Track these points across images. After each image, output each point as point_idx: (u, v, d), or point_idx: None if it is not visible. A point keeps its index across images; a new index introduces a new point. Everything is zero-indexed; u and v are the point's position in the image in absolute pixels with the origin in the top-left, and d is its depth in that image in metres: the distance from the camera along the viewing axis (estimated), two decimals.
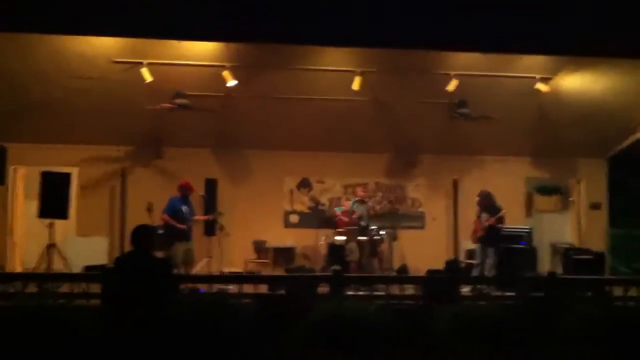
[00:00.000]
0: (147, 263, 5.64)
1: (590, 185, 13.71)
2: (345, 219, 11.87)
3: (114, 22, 8.73)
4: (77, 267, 10.11)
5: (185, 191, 10.47)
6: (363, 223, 11.81)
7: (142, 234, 5.77)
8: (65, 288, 8.17)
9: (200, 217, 11.06)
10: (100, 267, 9.38)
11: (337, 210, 12.28)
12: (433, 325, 5.95)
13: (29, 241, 11.96)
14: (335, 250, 11.69)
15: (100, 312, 6.29)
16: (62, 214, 10.69)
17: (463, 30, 9.07)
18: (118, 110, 11.30)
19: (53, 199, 10.49)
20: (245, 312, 5.65)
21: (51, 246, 10.31)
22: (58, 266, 10.31)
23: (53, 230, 10.48)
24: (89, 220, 12.29)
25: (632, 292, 8.48)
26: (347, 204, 12.32)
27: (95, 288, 8.02)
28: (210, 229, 11.80)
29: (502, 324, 5.75)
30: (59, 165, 11.43)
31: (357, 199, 12.26)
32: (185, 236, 10.23)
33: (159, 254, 9.99)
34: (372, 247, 11.73)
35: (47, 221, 10.41)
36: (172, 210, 10.23)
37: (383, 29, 8.93)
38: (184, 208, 10.36)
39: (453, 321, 5.82)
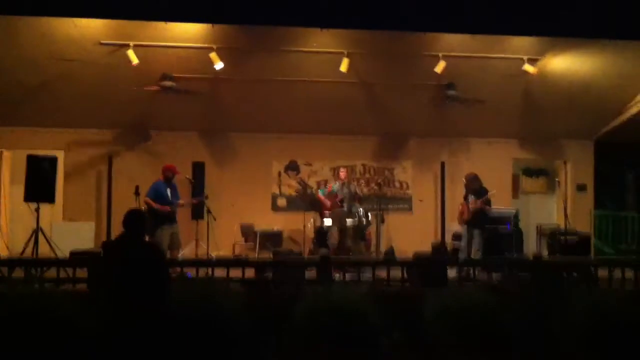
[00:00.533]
0: (138, 248, 5.62)
1: (576, 167, 13.77)
2: (328, 202, 11.84)
3: (100, 3, 8.64)
4: (63, 252, 10.06)
5: (168, 174, 10.39)
6: (346, 205, 11.74)
7: (135, 218, 5.74)
8: (51, 273, 8.17)
9: (186, 200, 10.97)
10: (87, 253, 9.35)
11: (320, 193, 12.21)
12: (421, 309, 5.97)
13: (15, 226, 11.90)
14: (323, 234, 11.71)
15: (88, 297, 6.28)
16: (49, 198, 10.62)
17: (451, 12, 9.04)
18: (105, 93, 11.23)
19: (39, 182, 10.41)
20: (234, 298, 5.64)
21: (37, 231, 10.24)
22: (44, 251, 10.25)
23: (38, 215, 10.41)
24: (75, 205, 12.25)
25: (617, 273, 8.59)
26: (330, 187, 12.28)
27: (82, 273, 8.02)
28: (198, 212, 11.78)
29: (489, 309, 5.77)
30: (44, 149, 11.35)
31: (338, 180, 12.17)
32: (169, 219, 10.16)
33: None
34: (359, 230, 11.73)
35: (33, 205, 10.34)
36: (155, 194, 10.15)
37: (371, 10, 8.89)
38: (168, 191, 10.30)
39: (441, 306, 5.84)
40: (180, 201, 10.56)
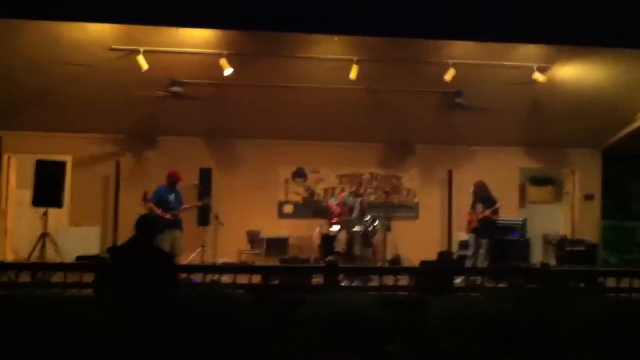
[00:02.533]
0: (149, 253, 5.62)
1: (583, 176, 13.74)
2: (338, 209, 11.82)
3: (110, 8, 8.64)
4: (69, 257, 10.08)
5: (173, 180, 10.38)
6: (354, 215, 11.72)
7: (148, 223, 5.75)
8: (57, 277, 8.16)
9: (188, 205, 10.77)
10: (93, 258, 9.36)
11: (332, 201, 12.24)
12: (428, 317, 5.95)
13: (22, 230, 11.91)
14: (329, 241, 11.68)
15: (94, 301, 6.27)
16: (57, 202, 10.65)
17: (460, 19, 9.02)
18: (113, 98, 11.24)
19: (47, 187, 10.44)
20: (241, 303, 5.64)
21: (44, 235, 10.26)
22: (50, 255, 10.27)
23: (46, 220, 10.42)
24: (82, 210, 12.23)
25: (624, 283, 8.53)
26: (342, 196, 12.27)
27: (88, 278, 8.01)
28: (204, 218, 11.77)
29: (496, 317, 5.75)
30: (52, 154, 11.34)
31: (352, 190, 12.16)
32: (171, 225, 10.09)
33: None
34: (366, 238, 11.70)
35: (41, 210, 10.36)
36: (159, 199, 10.14)
37: (380, 17, 8.88)
38: (172, 197, 10.28)
39: (448, 313, 5.82)
40: (185, 205, 10.53)
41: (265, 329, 5.45)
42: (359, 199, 11.80)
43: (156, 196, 10.16)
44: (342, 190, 12.80)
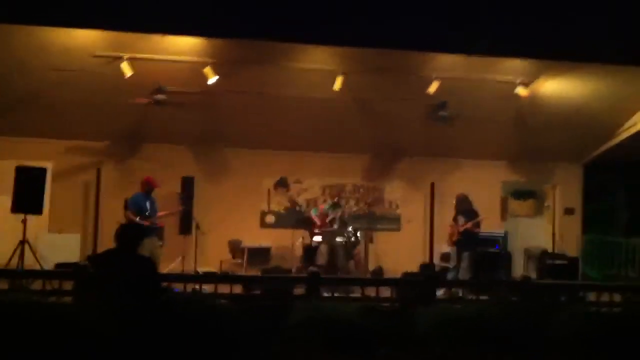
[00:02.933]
0: (132, 262, 5.56)
1: (565, 190, 13.84)
2: (319, 222, 11.81)
3: (95, 14, 8.58)
4: (48, 264, 9.95)
5: (148, 187, 10.25)
6: (335, 226, 11.71)
7: (132, 233, 5.70)
8: (37, 285, 8.06)
9: (163, 212, 10.51)
10: (72, 265, 9.25)
11: (313, 213, 12.19)
12: (412, 325, 5.94)
13: (1, 237, 11.74)
14: (311, 252, 11.66)
15: (74, 309, 6.18)
16: (37, 210, 10.49)
17: (445, 32, 9.07)
18: (96, 104, 11.13)
19: (27, 193, 10.29)
20: (224, 313, 5.58)
21: (23, 242, 10.12)
22: (29, 263, 10.13)
23: (25, 226, 10.28)
24: (62, 217, 12.10)
25: (604, 297, 8.57)
26: (322, 207, 12.26)
27: (68, 285, 7.91)
28: (185, 227, 11.69)
29: (481, 325, 5.75)
30: (32, 160, 11.20)
31: (333, 201, 12.15)
32: (150, 233, 9.98)
33: None
34: (348, 250, 11.70)
35: (20, 217, 10.23)
36: (135, 207, 10.00)
37: (367, 28, 8.91)
38: (147, 204, 10.17)
39: (435, 319, 5.81)
40: (160, 213, 10.42)
41: (254, 332, 5.40)
42: (339, 210, 11.79)
43: (133, 204, 10.03)
44: (324, 201, 12.79)
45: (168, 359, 4.83)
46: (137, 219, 9.78)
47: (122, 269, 5.47)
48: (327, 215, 11.78)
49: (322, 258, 11.32)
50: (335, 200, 12.07)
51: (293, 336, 5.08)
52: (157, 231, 10.18)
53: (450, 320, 5.68)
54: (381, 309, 7.31)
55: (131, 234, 5.66)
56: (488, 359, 5.40)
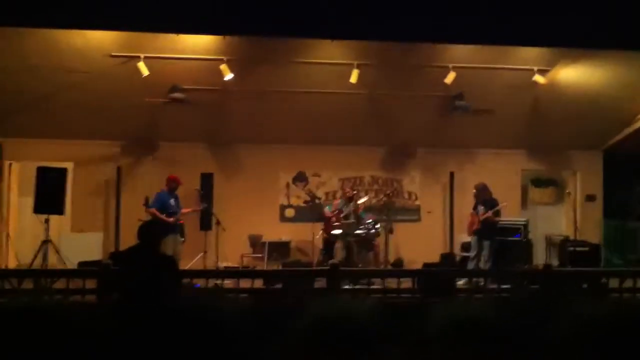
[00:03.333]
0: (154, 259, 5.63)
1: (585, 177, 13.74)
2: (334, 218, 11.75)
3: (110, 15, 8.64)
4: (71, 263, 10.07)
5: (172, 185, 10.47)
6: (350, 221, 11.64)
7: (152, 230, 5.77)
8: (60, 284, 8.17)
9: (187, 209, 10.87)
10: (95, 263, 9.36)
11: (327, 209, 12.09)
12: (430, 321, 5.95)
13: (24, 237, 11.91)
14: (331, 244, 11.65)
15: (98, 307, 6.28)
16: (58, 210, 10.63)
17: (460, 22, 9.02)
18: (114, 104, 11.24)
19: (49, 194, 10.42)
20: (243, 308, 5.64)
21: (46, 242, 10.25)
22: (52, 262, 10.26)
23: (47, 226, 10.41)
24: (83, 216, 12.24)
25: (628, 283, 8.53)
26: (337, 203, 12.17)
27: (91, 284, 8.02)
28: (206, 223, 11.77)
29: (498, 320, 5.74)
30: (53, 161, 11.34)
31: (347, 197, 12.06)
32: (174, 230, 10.17)
33: None
34: (367, 242, 11.67)
35: (43, 217, 10.36)
36: (160, 204, 10.23)
37: (380, 21, 8.88)
38: (172, 202, 10.35)
39: (450, 317, 5.81)
40: (184, 209, 10.60)
41: (265, 331, 5.43)
42: (353, 206, 11.70)
43: (157, 201, 10.26)
44: (344, 194, 12.70)
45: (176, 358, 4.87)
46: (163, 216, 9.96)
47: (144, 266, 5.53)
48: (341, 211, 11.71)
49: (338, 255, 11.24)
50: (349, 195, 11.96)
51: (302, 336, 5.09)
52: (179, 228, 10.34)
53: (466, 318, 5.68)
54: (399, 304, 7.35)
55: (153, 231, 5.73)
56: (503, 358, 5.40)
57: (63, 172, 10.83)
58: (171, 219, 10.13)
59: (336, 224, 11.62)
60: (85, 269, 9.12)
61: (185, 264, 10.57)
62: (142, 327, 4.63)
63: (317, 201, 12.86)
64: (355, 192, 12.17)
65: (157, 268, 5.56)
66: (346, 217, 11.60)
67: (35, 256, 10.15)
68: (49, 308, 4.52)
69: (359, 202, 11.89)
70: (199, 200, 11.54)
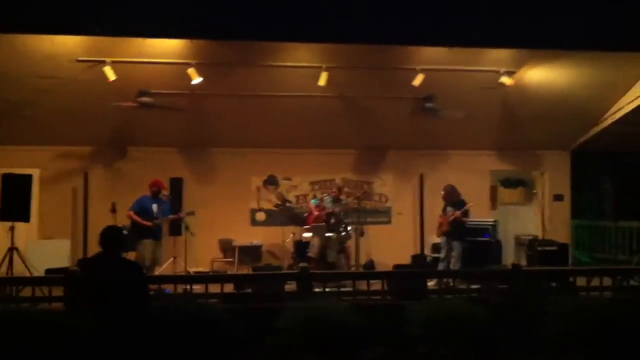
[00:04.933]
0: (117, 265, 5.55)
1: (553, 177, 13.90)
2: (317, 212, 11.75)
3: (77, 20, 8.55)
4: (38, 271, 9.92)
5: (154, 189, 10.41)
6: (332, 220, 11.65)
7: (112, 235, 5.68)
8: (27, 292, 8.03)
9: (172, 216, 10.77)
10: (62, 270, 9.21)
11: (313, 202, 12.11)
12: (404, 322, 5.95)
13: None
14: (302, 247, 11.65)
15: (65, 315, 6.17)
16: (24, 217, 10.45)
17: (428, 25, 9.08)
18: (82, 110, 11.11)
19: (14, 201, 10.25)
20: (215, 313, 5.59)
21: (11, 249, 10.09)
22: (19, 270, 10.09)
23: (13, 234, 10.25)
24: (51, 223, 12.06)
25: (595, 281, 8.62)
26: (325, 198, 12.14)
27: (58, 291, 7.88)
28: (176, 228, 11.67)
29: (472, 320, 5.77)
30: (19, 167, 11.15)
31: (334, 196, 12.05)
32: (152, 234, 10.12)
33: (131, 255, 9.91)
34: (340, 244, 11.68)
35: (8, 224, 10.19)
36: (139, 208, 10.19)
37: (349, 24, 8.91)
38: (154, 206, 10.29)
39: (424, 318, 5.83)
40: (171, 217, 10.58)
41: (242, 337, 5.40)
42: (339, 206, 11.72)
43: (137, 205, 10.26)
44: (314, 197, 12.72)
45: None
46: (137, 218, 9.99)
47: (108, 272, 5.45)
48: (326, 208, 11.69)
49: (313, 250, 11.30)
50: (336, 195, 11.95)
51: (282, 339, 5.09)
52: (160, 232, 10.33)
53: (438, 318, 5.70)
54: (373, 305, 7.34)
55: (111, 236, 5.64)
56: (475, 357, 5.44)
57: (29, 178, 10.64)
58: (149, 223, 10.05)
59: (308, 226, 11.61)
60: (52, 276, 8.95)
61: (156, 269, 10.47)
62: (109, 333, 4.58)
63: (287, 205, 12.85)
64: (342, 194, 12.17)
65: (120, 274, 5.48)
66: (329, 215, 11.60)
67: (0, 264, 9.98)
68: (15, 316, 4.46)
69: (343, 203, 11.92)
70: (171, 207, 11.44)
